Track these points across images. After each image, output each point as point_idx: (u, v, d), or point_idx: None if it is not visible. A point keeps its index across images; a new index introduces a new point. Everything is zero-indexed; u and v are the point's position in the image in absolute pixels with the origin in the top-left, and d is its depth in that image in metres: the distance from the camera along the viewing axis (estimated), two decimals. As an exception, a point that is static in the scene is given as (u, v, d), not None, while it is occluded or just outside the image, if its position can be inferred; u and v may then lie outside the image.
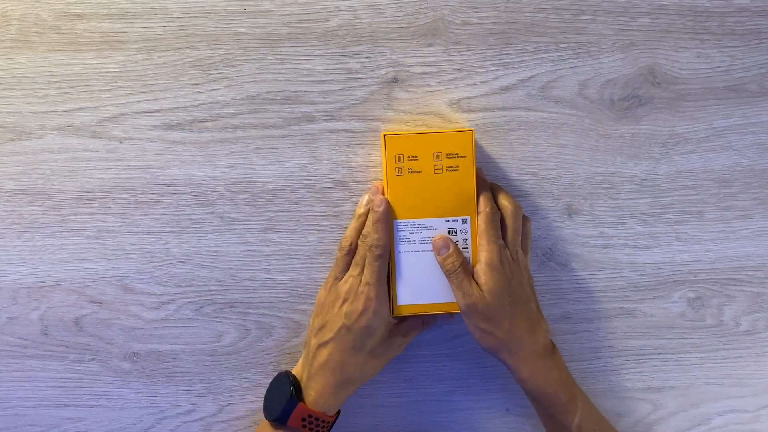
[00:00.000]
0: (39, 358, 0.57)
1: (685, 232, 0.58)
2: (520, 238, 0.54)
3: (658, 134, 0.57)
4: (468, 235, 0.53)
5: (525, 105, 0.56)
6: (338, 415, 0.55)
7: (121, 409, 0.58)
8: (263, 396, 0.55)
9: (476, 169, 0.52)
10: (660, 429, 0.60)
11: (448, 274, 0.52)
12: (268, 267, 0.57)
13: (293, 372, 0.55)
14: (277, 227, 0.56)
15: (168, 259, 0.56)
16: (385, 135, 0.52)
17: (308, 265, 0.57)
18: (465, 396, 0.58)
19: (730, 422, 0.60)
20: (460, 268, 0.51)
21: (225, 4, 0.54)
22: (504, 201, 0.53)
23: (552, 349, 0.54)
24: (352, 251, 0.54)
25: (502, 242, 0.52)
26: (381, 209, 0.52)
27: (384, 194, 0.52)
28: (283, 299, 0.57)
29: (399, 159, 0.52)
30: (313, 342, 0.54)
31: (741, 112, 0.57)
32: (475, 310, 0.51)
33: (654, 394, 0.60)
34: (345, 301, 0.52)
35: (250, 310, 0.57)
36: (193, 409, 0.58)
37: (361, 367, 0.53)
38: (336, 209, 0.56)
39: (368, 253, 0.52)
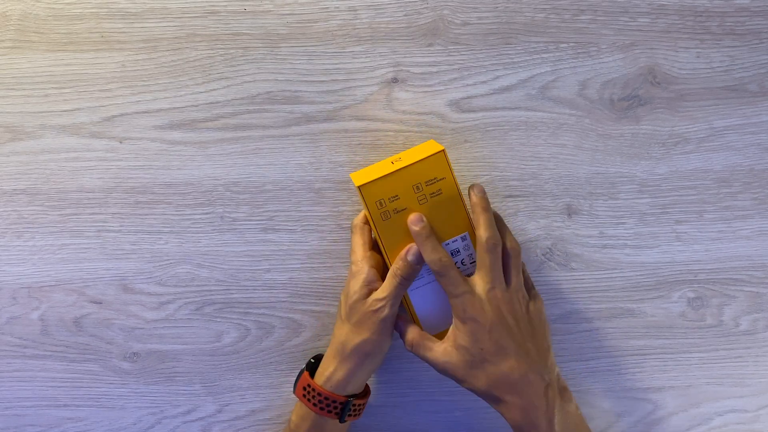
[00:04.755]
0: (39, 358, 0.57)
1: (685, 232, 0.58)
2: (522, 278, 0.50)
3: (658, 134, 0.57)
4: (472, 250, 0.51)
5: (525, 105, 0.56)
6: (349, 403, 0.51)
7: (121, 409, 0.58)
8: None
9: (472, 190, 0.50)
10: (660, 429, 0.60)
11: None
12: (268, 267, 0.57)
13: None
14: (277, 227, 0.56)
15: (168, 259, 0.56)
16: (359, 187, 0.48)
17: (308, 265, 0.57)
18: (465, 396, 0.58)
19: (730, 422, 0.60)
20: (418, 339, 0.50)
21: (225, 4, 0.54)
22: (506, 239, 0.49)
23: (553, 402, 0.48)
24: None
25: (469, 287, 0.47)
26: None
27: (379, 241, 0.50)
28: (283, 299, 0.57)
29: (381, 204, 0.49)
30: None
31: (741, 112, 0.57)
32: (444, 370, 0.49)
33: (654, 394, 0.60)
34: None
35: (250, 310, 0.57)
36: (193, 409, 0.58)
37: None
38: (336, 209, 0.56)
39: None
